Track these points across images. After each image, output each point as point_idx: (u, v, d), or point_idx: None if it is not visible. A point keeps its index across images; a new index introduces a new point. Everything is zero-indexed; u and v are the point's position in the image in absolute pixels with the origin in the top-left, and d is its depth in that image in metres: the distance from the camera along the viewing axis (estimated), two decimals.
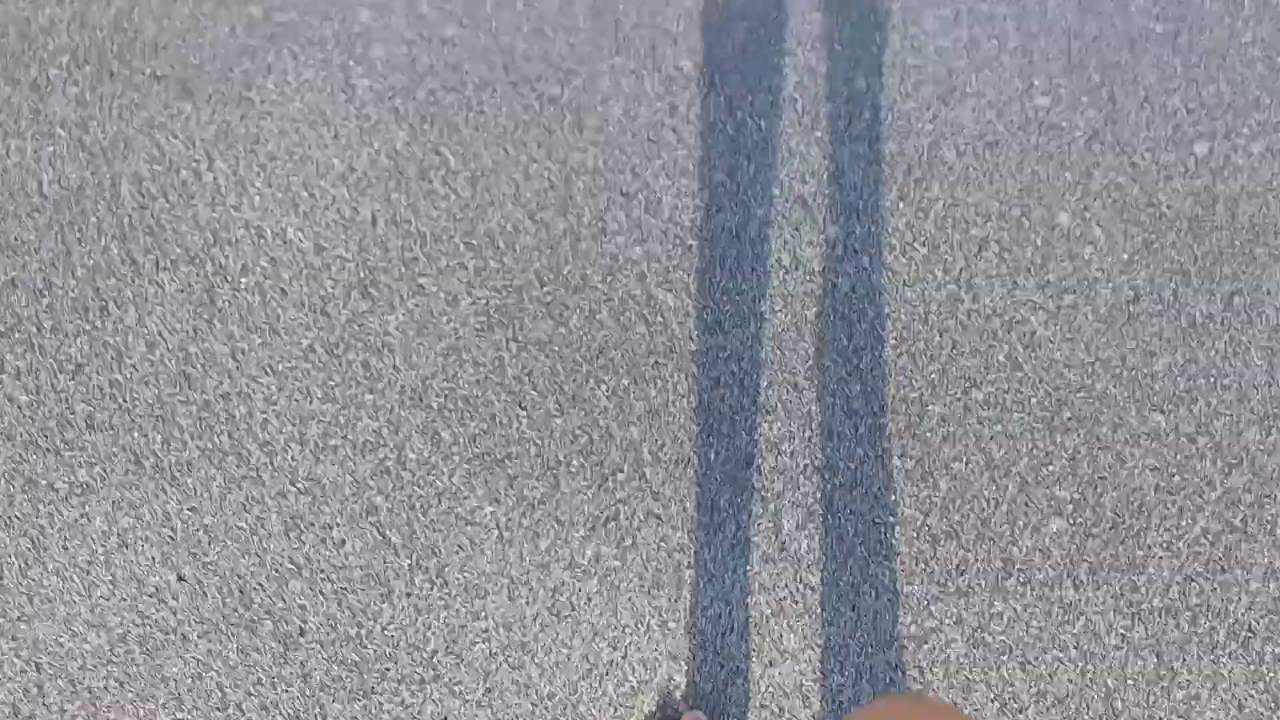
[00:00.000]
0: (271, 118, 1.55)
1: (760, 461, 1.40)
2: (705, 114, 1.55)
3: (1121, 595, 1.38)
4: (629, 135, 1.55)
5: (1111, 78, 1.57)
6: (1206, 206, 1.50)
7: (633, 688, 1.35)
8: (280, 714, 1.34)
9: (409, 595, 1.37)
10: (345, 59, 1.58)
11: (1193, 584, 1.38)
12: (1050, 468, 1.40)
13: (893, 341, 1.45)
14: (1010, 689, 1.36)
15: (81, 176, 1.52)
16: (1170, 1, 1.60)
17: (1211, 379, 1.44)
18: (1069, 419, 1.42)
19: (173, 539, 1.38)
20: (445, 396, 1.43)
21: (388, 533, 1.38)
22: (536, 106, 1.55)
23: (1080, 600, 1.37)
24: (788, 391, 1.43)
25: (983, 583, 1.37)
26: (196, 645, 1.35)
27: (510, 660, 1.35)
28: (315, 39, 1.59)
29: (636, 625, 1.36)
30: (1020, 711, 1.35)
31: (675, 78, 1.57)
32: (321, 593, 1.37)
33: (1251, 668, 1.37)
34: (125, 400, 1.43)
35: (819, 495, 1.39)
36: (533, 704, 1.35)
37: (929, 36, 1.59)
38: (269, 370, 1.44)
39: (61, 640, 1.35)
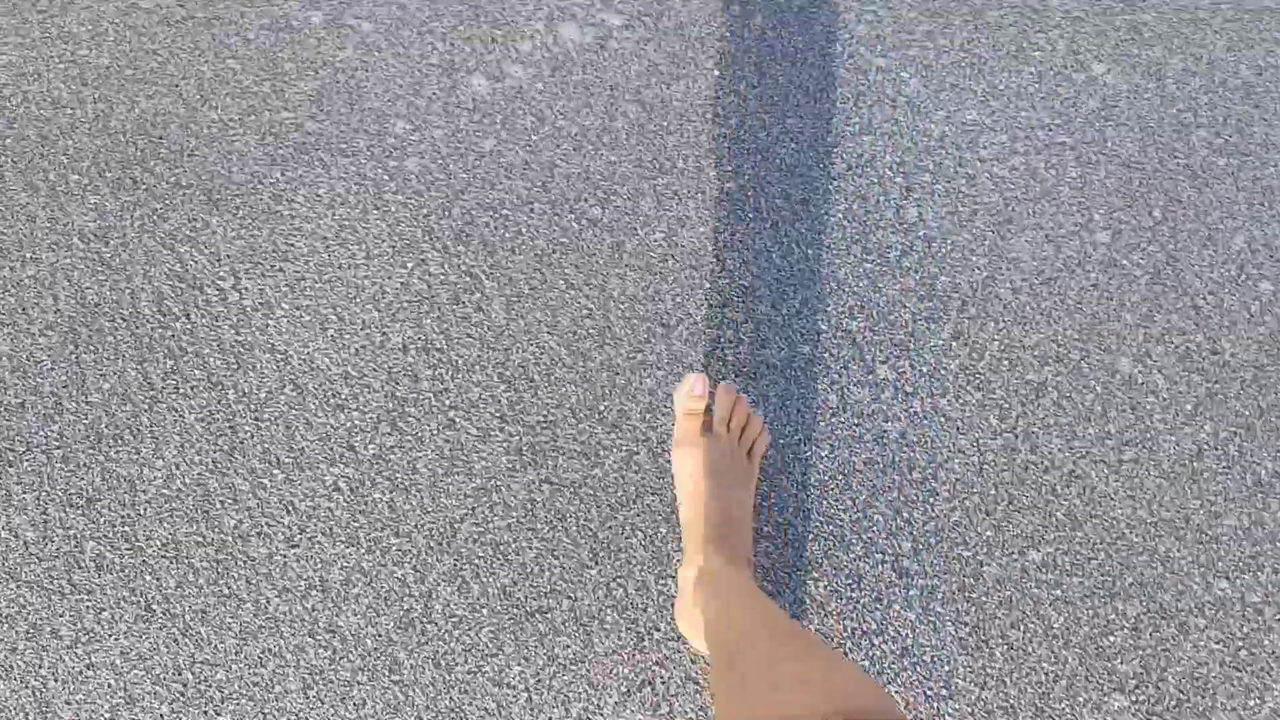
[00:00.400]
0: (301, 234, 1.27)
1: (805, 623, 1.13)
2: (750, 240, 1.27)
3: None
4: (670, 261, 1.27)
5: (1173, 213, 1.29)
6: (1272, 355, 1.23)
7: None
8: None
9: None
10: (379, 173, 1.29)
11: None
12: (1111, 638, 1.13)
13: (946, 494, 1.17)
14: None
15: (99, 292, 1.25)
16: (1234, 133, 1.32)
17: (1279, 544, 1.17)
18: (1130, 585, 1.15)
19: (183, 695, 1.11)
20: (474, 542, 1.15)
21: (411, 692, 1.11)
22: (575, 228, 1.27)
23: None
24: (834, 546, 1.16)
25: None
26: None
27: None
28: (348, 150, 1.31)
29: None
30: None
31: (720, 201, 1.30)
32: None
33: None
34: (138, 539, 1.15)
35: (868, 662, 1.13)
36: None
37: (984, 164, 1.31)
38: (291, 509, 1.16)
39: None
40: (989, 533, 1.14)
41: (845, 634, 1.12)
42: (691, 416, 1.09)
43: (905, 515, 1.15)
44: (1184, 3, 1.35)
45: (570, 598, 1.12)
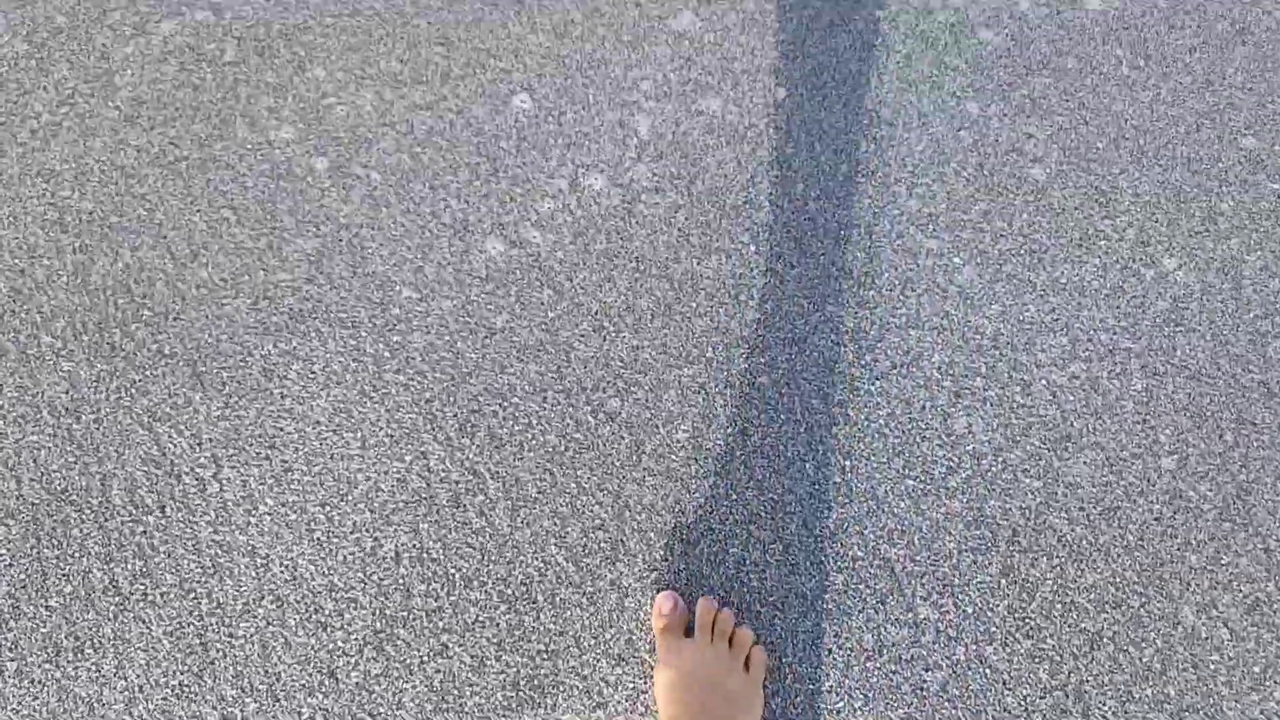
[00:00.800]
0: (291, 416, 1.01)
1: None
2: (781, 446, 1.01)
3: None
4: (694, 466, 1.01)
5: (1246, 439, 1.02)
6: None
7: None
8: None
9: None
10: (379, 348, 1.03)
11: None
12: None
13: None
14: None
15: (67, 476, 0.99)
16: None
17: None
18: None
19: None
20: None
21: None
22: (591, 422, 1.01)
23: None
24: None
25: None
26: None
27: None
28: (348, 321, 1.04)
29: None
30: None
31: (749, 398, 1.03)
32: None
33: None
34: None
35: None
36: None
37: (1041, 369, 1.04)
38: None
39: None
40: None
41: None
42: (667, 633, 0.86)
43: None
44: (1264, 190, 1.07)
45: None
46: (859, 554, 0.94)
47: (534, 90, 1.07)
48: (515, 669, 0.90)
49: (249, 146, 1.05)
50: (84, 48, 1.07)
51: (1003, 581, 0.93)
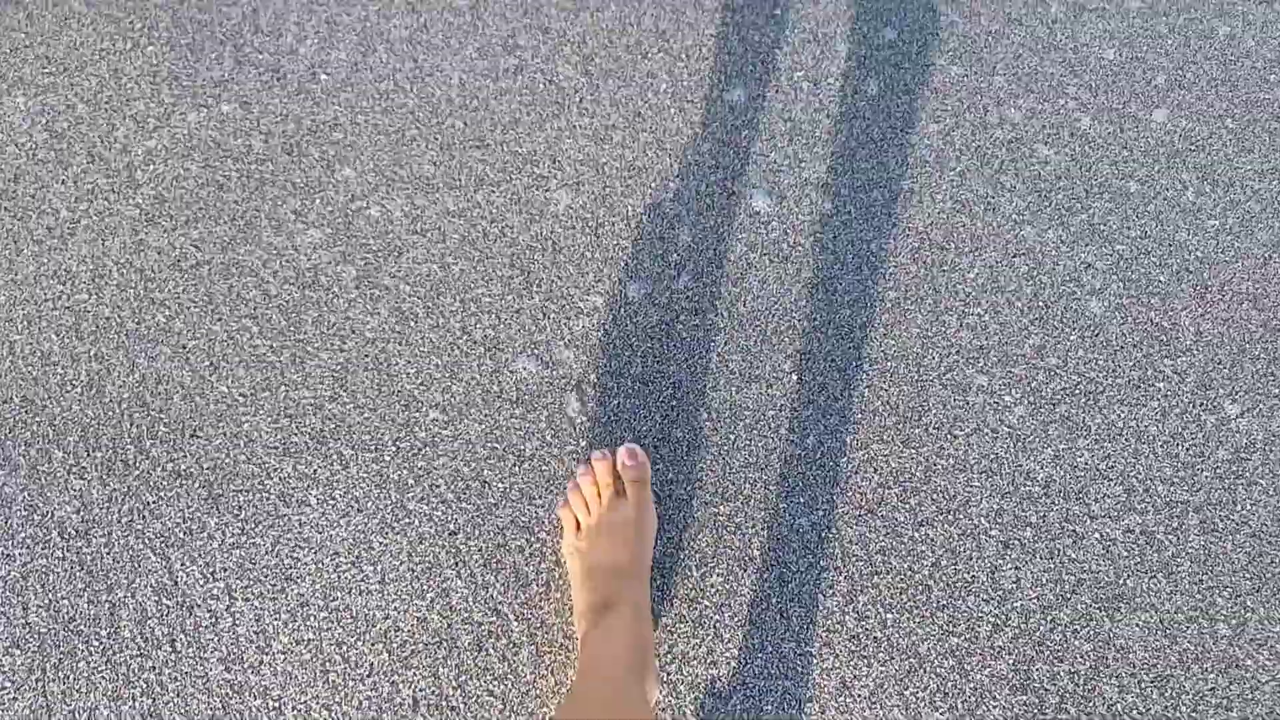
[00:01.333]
0: (309, 546, 0.93)
1: None
2: (819, 598, 0.92)
3: None
4: (727, 613, 0.92)
5: None
6: None
7: None
8: None
9: None
10: (403, 474, 0.95)
11: None
12: None
13: None
14: None
15: (75, 604, 0.91)
16: None
17: None
18: None
19: None
20: None
21: None
22: None
23: None
24: None
25: None
26: None
27: None
28: (371, 443, 0.96)
29: None
30: None
31: (788, 542, 0.94)
32: None
33: None
34: None
35: None
36: None
37: (1094, 521, 0.95)
38: None
39: None
40: None
41: None
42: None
43: None
44: None
45: None
46: (899, 717, 0.86)
47: (571, 199, 0.98)
48: None
49: (274, 251, 0.96)
50: (105, 139, 0.98)
51: None
